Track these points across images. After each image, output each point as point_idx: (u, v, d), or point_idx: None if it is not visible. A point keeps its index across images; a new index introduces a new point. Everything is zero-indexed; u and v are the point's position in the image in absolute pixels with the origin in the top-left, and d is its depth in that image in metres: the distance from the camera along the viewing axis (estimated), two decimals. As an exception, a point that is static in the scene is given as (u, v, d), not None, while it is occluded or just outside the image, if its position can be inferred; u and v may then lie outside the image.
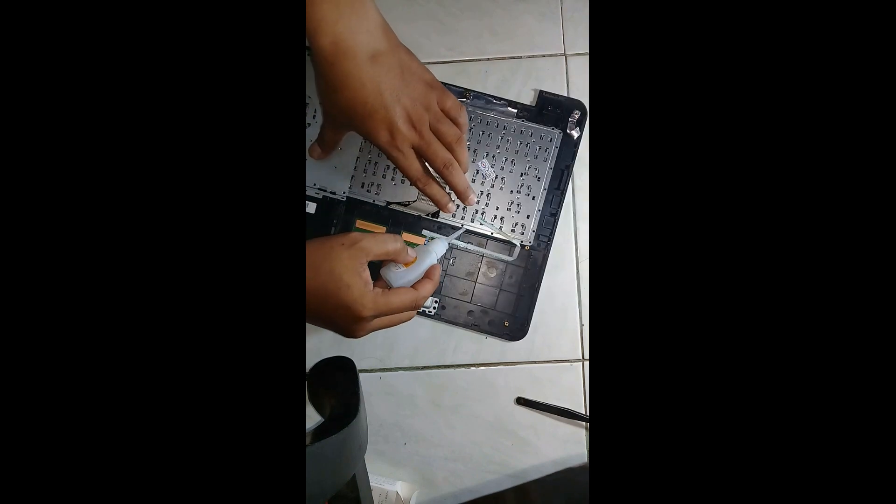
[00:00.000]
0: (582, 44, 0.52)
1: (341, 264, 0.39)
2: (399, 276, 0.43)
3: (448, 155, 0.43)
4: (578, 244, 0.51)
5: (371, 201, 0.51)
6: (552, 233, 0.50)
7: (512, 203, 0.50)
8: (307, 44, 0.39)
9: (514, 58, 0.52)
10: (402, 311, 0.42)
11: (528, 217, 0.50)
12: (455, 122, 0.44)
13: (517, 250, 0.50)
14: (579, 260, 0.51)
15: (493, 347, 0.51)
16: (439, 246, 0.45)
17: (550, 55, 0.52)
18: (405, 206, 0.50)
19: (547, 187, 0.50)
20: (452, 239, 0.47)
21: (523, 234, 0.50)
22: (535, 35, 0.52)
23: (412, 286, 0.43)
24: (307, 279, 0.39)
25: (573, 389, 0.51)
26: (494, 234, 0.50)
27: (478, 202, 0.50)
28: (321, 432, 0.38)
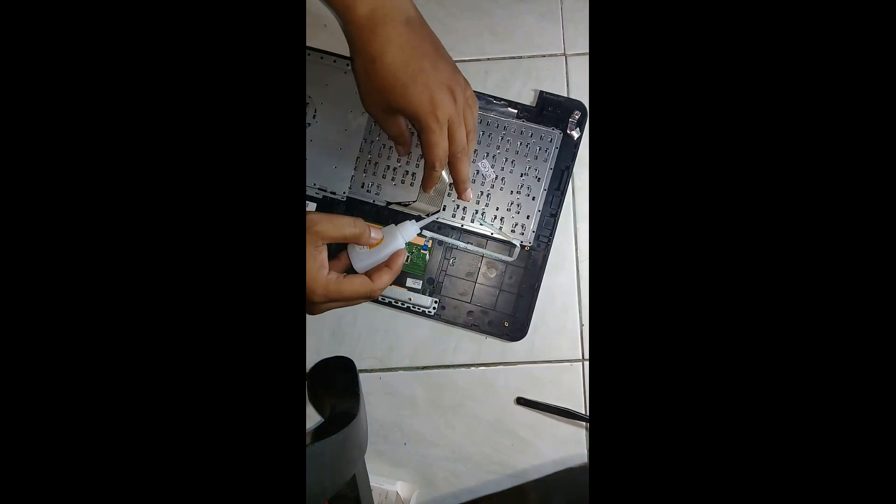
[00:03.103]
0: (582, 44, 0.52)
1: None
2: (360, 256, 0.43)
3: (466, 143, 0.43)
4: (578, 244, 0.51)
5: (371, 201, 0.50)
6: (552, 233, 0.50)
7: (512, 203, 0.50)
8: (341, 21, 0.40)
9: (514, 58, 0.52)
10: (354, 301, 0.42)
11: (528, 217, 0.50)
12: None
13: (517, 251, 0.50)
14: (579, 260, 0.51)
15: (493, 347, 0.51)
16: (408, 230, 0.45)
17: (550, 55, 0.52)
18: (405, 206, 0.50)
19: (547, 188, 0.50)
20: (422, 225, 0.46)
21: (523, 234, 0.50)
22: (535, 35, 0.52)
23: (371, 273, 0.43)
24: None
25: (573, 389, 0.51)
26: (494, 235, 0.50)
27: (478, 202, 0.50)
28: (321, 432, 0.37)
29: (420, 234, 0.50)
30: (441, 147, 0.42)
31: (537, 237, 0.50)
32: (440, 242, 0.50)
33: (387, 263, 0.44)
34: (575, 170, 0.50)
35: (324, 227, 0.40)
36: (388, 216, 0.50)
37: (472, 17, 0.52)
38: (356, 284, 0.41)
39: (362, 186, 0.50)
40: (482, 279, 0.50)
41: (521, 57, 0.52)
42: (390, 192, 0.51)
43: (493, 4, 0.52)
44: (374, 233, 0.43)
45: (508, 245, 0.50)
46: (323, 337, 0.52)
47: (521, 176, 0.50)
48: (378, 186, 0.51)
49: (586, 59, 0.52)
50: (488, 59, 0.52)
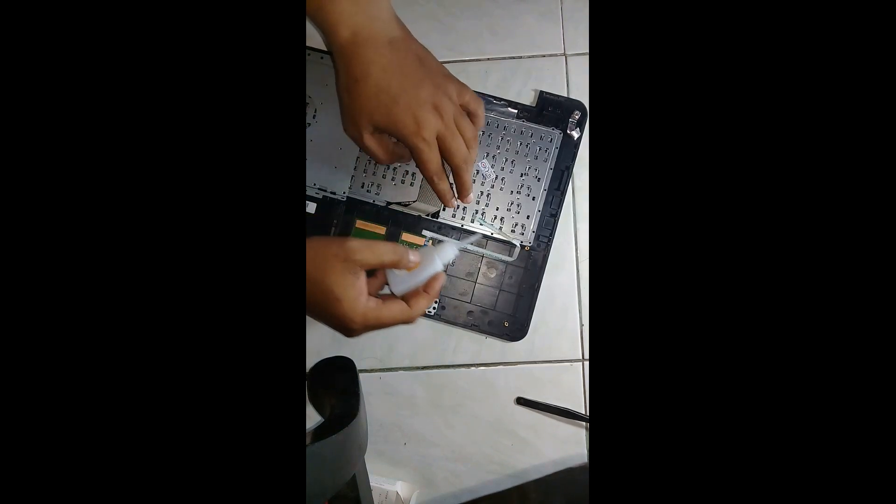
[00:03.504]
0: (582, 44, 0.52)
1: (333, 277, 0.39)
2: (399, 280, 0.42)
3: (467, 151, 0.43)
4: (578, 244, 0.51)
5: (371, 201, 0.51)
6: (552, 233, 0.50)
7: (512, 203, 0.50)
8: (327, 42, 0.41)
9: (514, 58, 0.52)
10: (392, 325, 0.42)
11: (527, 217, 0.50)
12: (474, 116, 0.44)
13: (517, 251, 0.50)
14: (579, 260, 0.51)
15: (493, 347, 0.51)
16: (446, 251, 0.43)
17: (550, 55, 0.52)
18: (405, 206, 0.50)
19: (547, 188, 0.50)
20: (465, 245, 0.46)
21: (523, 234, 0.50)
22: (535, 35, 0.52)
23: (408, 297, 0.42)
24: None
25: (573, 389, 0.51)
26: (494, 235, 0.50)
27: (478, 202, 0.50)
28: (321, 432, 0.37)
29: (421, 234, 0.50)
30: (433, 162, 0.43)
31: (537, 237, 0.50)
32: (440, 242, 0.50)
33: (425, 288, 0.43)
34: (575, 170, 0.50)
35: (363, 255, 0.40)
36: (388, 216, 0.50)
37: (472, 17, 0.52)
38: (394, 311, 0.41)
39: (362, 186, 0.51)
40: (482, 279, 0.50)
41: (521, 57, 0.52)
42: (390, 192, 0.51)
43: (493, 4, 0.52)
44: (413, 255, 0.42)
45: (508, 245, 0.50)
46: (323, 337, 0.52)
47: (521, 176, 0.50)
48: (378, 186, 0.51)
49: (586, 59, 0.52)
50: (488, 59, 0.52)
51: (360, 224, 0.51)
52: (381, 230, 0.50)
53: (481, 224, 0.50)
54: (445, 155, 0.43)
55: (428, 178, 0.44)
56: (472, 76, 0.52)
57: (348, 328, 0.40)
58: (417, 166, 0.44)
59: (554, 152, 0.50)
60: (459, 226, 0.50)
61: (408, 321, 0.42)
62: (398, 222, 0.50)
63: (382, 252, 0.40)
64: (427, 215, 0.50)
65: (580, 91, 0.51)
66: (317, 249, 0.40)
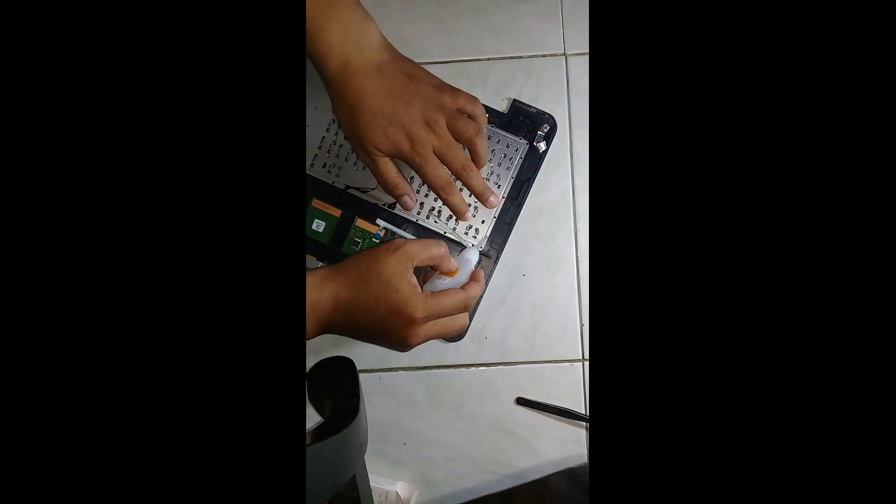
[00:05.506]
0: (582, 44, 0.52)
1: (388, 269, 0.40)
2: (444, 286, 0.44)
3: (465, 157, 0.44)
4: (578, 244, 0.51)
5: (330, 182, 0.50)
6: (505, 241, 0.50)
7: (469, 206, 0.49)
8: (319, 72, 0.42)
9: (514, 58, 0.52)
10: (453, 312, 0.43)
11: (482, 222, 0.50)
12: (471, 117, 0.44)
13: None
14: (579, 260, 0.51)
15: (493, 347, 0.51)
16: (472, 254, 0.46)
17: (550, 55, 0.52)
18: (364, 192, 0.50)
19: (506, 196, 0.50)
20: (480, 250, 0.48)
21: (476, 238, 0.50)
22: (535, 35, 0.52)
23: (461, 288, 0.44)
24: (357, 290, 0.40)
25: (573, 389, 0.51)
26: (447, 235, 0.50)
27: (436, 200, 0.50)
28: (321, 432, 0.37)
29: (375, 223, 0.50)
30: (435, 175, 0.43)
31: (490, 242, 0.50)
32: (393, 234, 0.50)
33: (472, 278, 0.45)
34: (575, 169, 0.50)
35: (413, 246, 0.41)
36: (345, 200, 0.50)
37: (472, 17, 0.52)
38: (452, 295, 0.43)
39: (324, 166, 0.50)
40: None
41: (521, 57, 0.52)
42: (351, 177, 0.50)
43: (493, 4, 0.52)
44: (453, 262, 0.45)
45: (460, 247, 0.50)
46: (323, 337, 0.52)
47: (484, 179, 0.50)
48: (339, 168, 0.50)
49: (586, 59, 0.52)
50: (488, 59, 0.52)
51: (315, 203, 0.50)
52: (337, 213, 0.50)
53: (436, 222, 0.50)
54: (446, 165, 0.44)
55: (436, 193, 0.44)
56: (472, 76, 0.52)
57: (410, 318, 0.40)
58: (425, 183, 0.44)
59: (518, 161, 0.50)
60: (415, 220, 0.50)
61: (466, 306, 0.44)
62: (354, 207, 0.50)
63: (429, 243, 0.42)
64: (384, 205, 0.50)
65: (580, 91, 0.51)
66: (366, 252, 0.42)
